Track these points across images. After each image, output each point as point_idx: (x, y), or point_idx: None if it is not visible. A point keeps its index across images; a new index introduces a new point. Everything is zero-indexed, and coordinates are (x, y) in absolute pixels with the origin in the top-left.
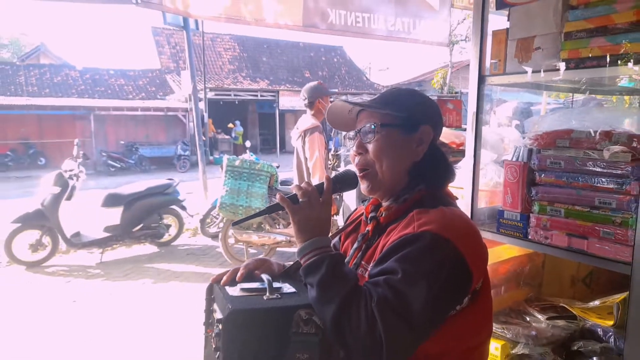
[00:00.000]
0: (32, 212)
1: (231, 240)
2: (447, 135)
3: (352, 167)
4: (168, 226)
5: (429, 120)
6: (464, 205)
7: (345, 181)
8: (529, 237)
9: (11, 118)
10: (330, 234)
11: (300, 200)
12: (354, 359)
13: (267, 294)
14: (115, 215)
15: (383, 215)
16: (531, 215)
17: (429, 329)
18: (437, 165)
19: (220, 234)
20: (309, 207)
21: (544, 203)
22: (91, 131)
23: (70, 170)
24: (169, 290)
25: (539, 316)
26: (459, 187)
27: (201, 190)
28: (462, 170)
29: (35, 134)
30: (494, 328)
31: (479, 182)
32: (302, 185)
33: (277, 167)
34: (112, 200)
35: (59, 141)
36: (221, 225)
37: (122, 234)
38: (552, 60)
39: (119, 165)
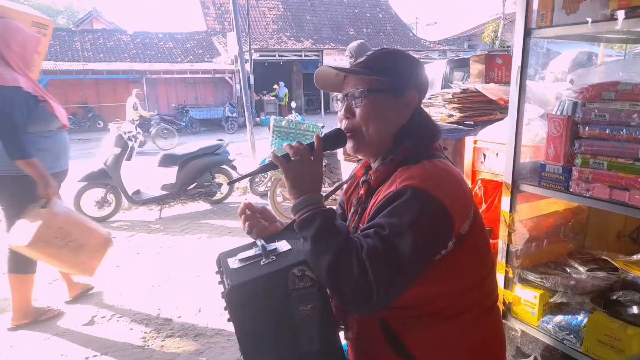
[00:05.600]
0: (96, 172)
1: (279, 198)
2: (495, 92)
3: None
4: (219, 185)
5: (415, 84)
6: (505, 160)
7: (336, 139)
8: (570, 189)
9: (71, 83)
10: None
11: (292, 158)
12: (348, 303)
13: (264, 258)
14: (171, 175)
15: (373, 177)
16: (573, 168)
17: (415, 272)
18: (422, 127)
19: (268, 193)
20: (301, 165)
21: (587, 156)
22: (144, 94)
23: (129, 132)
24: (224, 244)
25: (580, 268)
26: (501, 143)
27: (249, 151)
28: (506, 125)
29: (93, 98)
30: (532, 278)
31: (521, 137)
32: (294, 144)
33: (322, 127)
34: (167, 161)
35: (115, 104)
36: (269, 184)
37: (178, 192)
38: (601, 11)
39: (171, 127)
